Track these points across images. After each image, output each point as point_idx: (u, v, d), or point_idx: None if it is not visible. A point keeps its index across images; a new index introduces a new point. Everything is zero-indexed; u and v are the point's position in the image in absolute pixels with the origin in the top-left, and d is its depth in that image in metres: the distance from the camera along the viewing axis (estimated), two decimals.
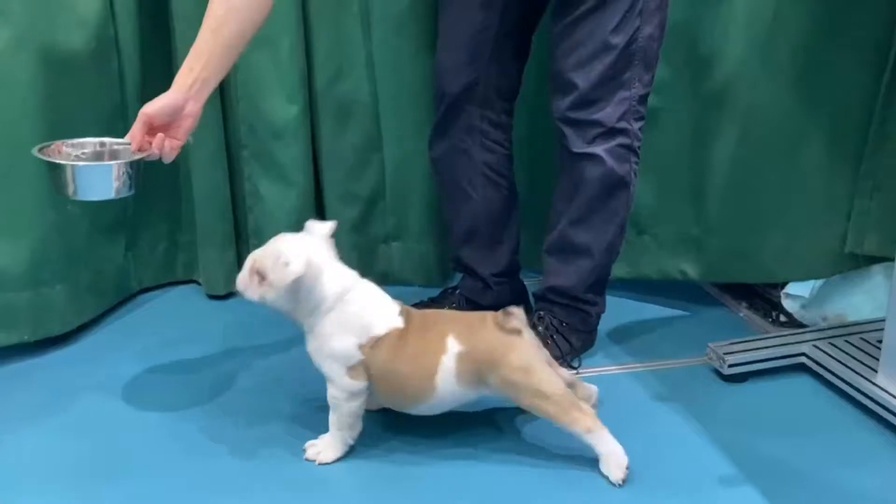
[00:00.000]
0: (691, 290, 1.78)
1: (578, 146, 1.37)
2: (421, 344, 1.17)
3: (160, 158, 1.24)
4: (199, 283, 1.81)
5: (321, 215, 1.83)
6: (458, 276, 1.72)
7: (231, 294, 1.75)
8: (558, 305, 1.47)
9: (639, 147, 1.39)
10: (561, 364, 1.42)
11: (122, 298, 1.75)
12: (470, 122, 1.48)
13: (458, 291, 1.65)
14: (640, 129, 1.38)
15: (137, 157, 1.22)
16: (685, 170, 1.65)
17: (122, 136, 1.62)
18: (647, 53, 1.34)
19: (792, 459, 1.20)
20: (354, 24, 1.70)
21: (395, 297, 1.73)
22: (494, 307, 1.48)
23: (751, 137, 1.59)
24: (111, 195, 1.21)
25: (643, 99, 1.37)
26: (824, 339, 1.44)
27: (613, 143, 1.35)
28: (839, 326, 1.52)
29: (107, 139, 1.30)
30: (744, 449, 1.22)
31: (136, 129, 1.23)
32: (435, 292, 1.79)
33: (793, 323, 1.62)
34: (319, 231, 1.21)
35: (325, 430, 1.22)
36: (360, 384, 1.17)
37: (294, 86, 1.70)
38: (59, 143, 1.28)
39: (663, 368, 1.47)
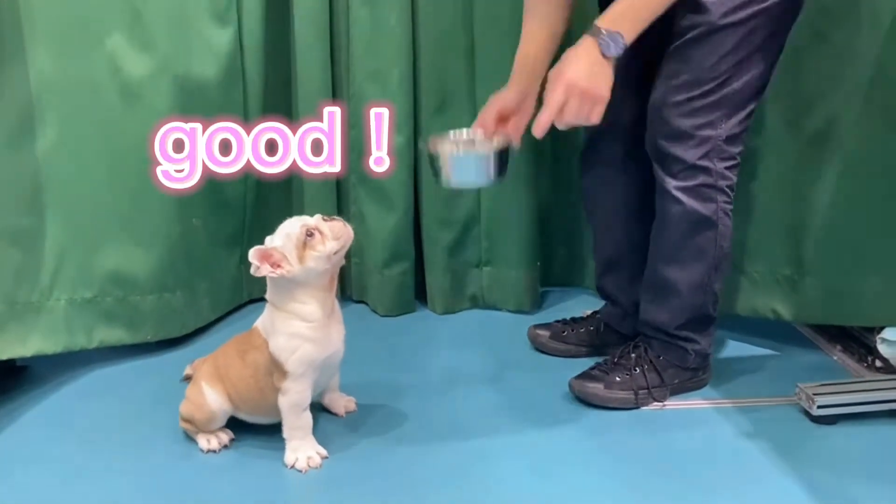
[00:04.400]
0: (784, 331, 1.76)
1: (661, 179, 1.39)
2: None
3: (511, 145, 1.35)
4: None
5: (418, 237, 1.92)
6: (554, 303, 1.79)
7: None
8: (655, 340, 1.49)
9: (727, 186, 1.39)
10: (645, 397, 1.45)
11: (234, 307, 1.88)
12: (612, 156, 1.53)
13: (599, 315, 1.69)
14: (726, 168, 1.38)
15: (503, 145, 1.33)
16: (781, 208, 1.65)
17: None
18: (741, 97, 1.35)
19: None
20: (458, 60, 1.80)
21: (486, 321, 1.85)
22: (633, 335, 1.56)
23: (851, 178, 1.56)
24: (487, 181, 1.31)
25: (732, 140, 1.37)
26: None
27: (695, 182, 1.37)
28: None
29: (452, 131, 1.40)
30: (831, 491, 1.21)
31: (488, 117, 1.39)
32: (528, 317, 1.86)
33: (890, 369, 1.59)
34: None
35: None
36: None
37: (401, 116, 1.80)
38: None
39: (750, 406, 1.46)
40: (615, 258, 1.61)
